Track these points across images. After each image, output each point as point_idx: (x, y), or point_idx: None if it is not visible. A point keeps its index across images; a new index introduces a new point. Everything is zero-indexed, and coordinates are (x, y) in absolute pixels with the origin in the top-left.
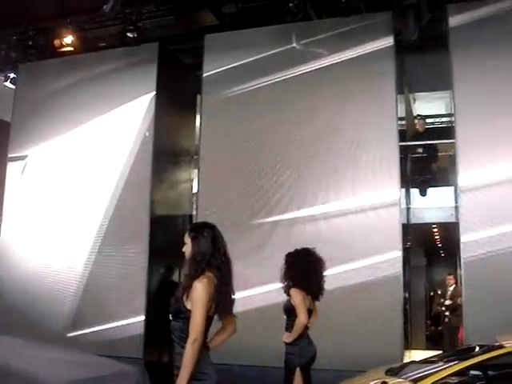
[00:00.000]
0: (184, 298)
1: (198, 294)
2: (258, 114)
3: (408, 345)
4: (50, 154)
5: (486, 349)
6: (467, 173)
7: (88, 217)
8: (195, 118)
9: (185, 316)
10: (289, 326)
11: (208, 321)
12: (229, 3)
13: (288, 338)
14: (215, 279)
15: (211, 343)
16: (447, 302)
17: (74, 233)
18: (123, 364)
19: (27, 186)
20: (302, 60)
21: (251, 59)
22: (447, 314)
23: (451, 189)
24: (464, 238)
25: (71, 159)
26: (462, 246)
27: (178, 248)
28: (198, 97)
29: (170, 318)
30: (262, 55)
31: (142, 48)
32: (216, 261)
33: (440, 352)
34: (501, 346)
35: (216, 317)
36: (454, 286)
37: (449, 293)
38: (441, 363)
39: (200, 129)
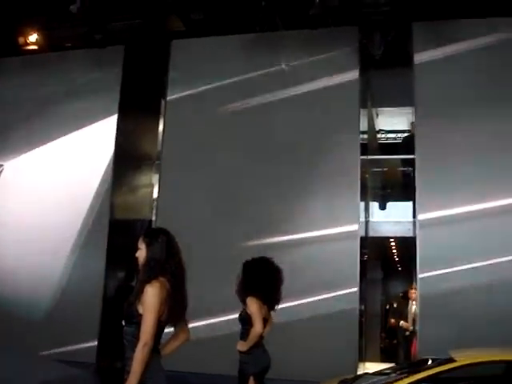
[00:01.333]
0: (136, 303)
1: (150, 299)
2: (221, 121)
3: (362, 357)
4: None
5: (438, 362)
6: (425, 188)
7: (53, 220)
8: (158, 123)
9: (137, 321)
10: (244, 335)
11: (160, 327)
12: (197, 10)
13: (243, 346)
14: (168, 285)
15: (163, 350)
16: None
17: (42, 236)
18: (73, 368)
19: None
20: (266, 69)
21: (216, 66)
22: (411, 327)
23: (410, 204)
24: (421, 253)
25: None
26: (418, 260)
27: (135, 253)
28: (162, 102)
29: (123, 323)
30: (227, 63)
31: (107, 50)
32: (170, 267)
33: (393, 364)
34: (453, 360)
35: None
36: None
37: (413, 307)
38: (394, 375)
39: (163, 134)
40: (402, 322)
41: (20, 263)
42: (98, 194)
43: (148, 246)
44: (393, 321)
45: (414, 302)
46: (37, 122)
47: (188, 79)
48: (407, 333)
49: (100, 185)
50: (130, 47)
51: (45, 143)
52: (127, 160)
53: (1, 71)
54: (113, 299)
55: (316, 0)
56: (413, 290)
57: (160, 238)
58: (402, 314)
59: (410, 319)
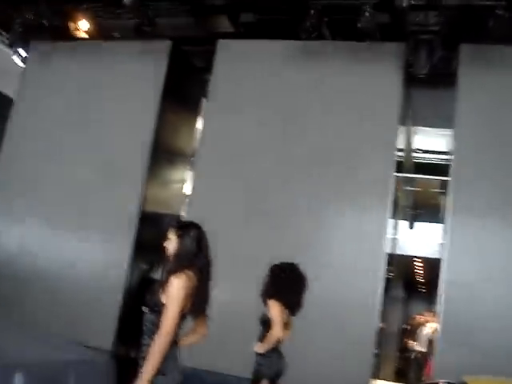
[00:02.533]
0: (160, 292)
1: (175, 290)
2: (259, 125)
3: (376, 375)
4: (50, 137)
5: None
6: (457, 211)
7: (79, 204)
8: (196, 121)
9: (159, 309)
10: (262, 337)
11: (181, 319)
12: (247, 13)
13: (260, 348)
14: (194, 278)
15: (180, 343)
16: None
17: (66, 220)
18: (90, 352)
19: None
20: (309, 77)
21: (259, 69)
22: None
23: (439, 226)
24: (446, 276)
25: (68, 144)
26: (443, 283)
27: (162, 246)
28: (203, 100)
29: (144, 310)
30: (270, 67)
31: (155, 43)
32: (199, 261)
33: None
34: None
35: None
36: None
37: (426, 329)
38: None
39: (201, 132)
40: (415, 343)
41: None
42: (131, 184)
43: (179, 237)
44: (406, 341)
45: (427, 325)
46: (75, 109)
47: (230, 80)
48: (419, 354)
49: (134, 176)
50: (178, 43)
51: (82, 130)
52: (163, 154)
53: (50, 55)
54: (135, 290)
55: (366, 14)
56: (426, 314)
57: (192, 231)
58: (416, 335)
59: (421, 341)
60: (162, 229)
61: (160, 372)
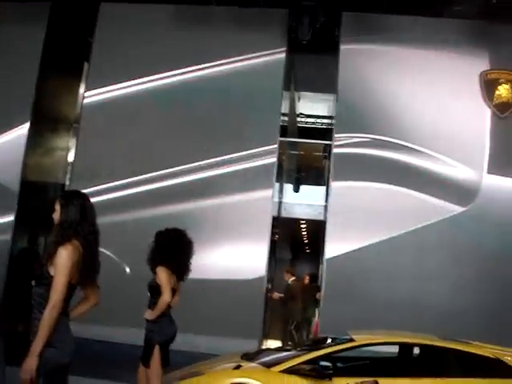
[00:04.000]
0: (48, 264)
1: (62, 261)
2: (143, 90)
3: (266, 336)
4: None
5: (338, 341)
6: (340, 174)
7: None
8: (79, 86)
9: (47, 282)
10: (151, 304)
11: (70, 289)
12: None
13: (150, 315)
14: (81, 247)
15: (72, 313)
16: None
17: None
18: None
19: None
20: (193, 43)
21: (142, 33)
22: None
23: (323, 188)
24: (329, 237)
25: None
26: (326, 243)
27: (46, 216)
28: (85, 64)
29: (32, 283)
30: (153, 31)
31: (33, 5)
32: (82, 230)
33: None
34: (351, 340)
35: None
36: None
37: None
38: (294, 352)
39: (83, 97)
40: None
41: None
42: (10, 152)
43: (63, 207)
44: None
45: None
46: None
47: (113, 44)
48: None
49: (13, 144)
50: (57, 4)
51: None
52: (44, 121)
53: None
54: (19, 260)
55: None
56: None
57: (76, 200)
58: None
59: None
60: (44, 198)
61: (50, 344)
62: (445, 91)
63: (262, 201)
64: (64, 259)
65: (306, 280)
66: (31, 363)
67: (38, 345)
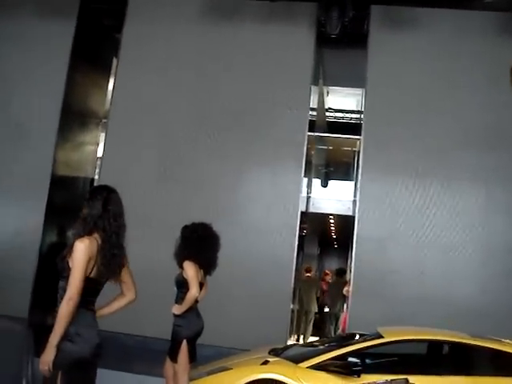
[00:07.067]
0: (68, 257)
1: (78, 254)
2: (172, 85)
3: (293, 329)
4: None
5: (366, 337)
6: (369, 169)
7: None
8: (108, 82)
9: (67, 275)
10: (179, 298)
11: (93, 283)
12: None
13: (178, 310)
14: (100, 240)
15: (104, 309)
16: None
17: None
18: (6, 321)
19: None
20: (222, 37)
21: (171, 29)
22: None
23: (351, 183)
24: (358, 232)
25: None
26: (355, 238)
27: (75, 210)
28: (114, 60)
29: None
30: (182, 27)
31: (63, 2)
32: (102, 222)
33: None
34: (380, 336)
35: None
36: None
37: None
38: (322, 347)
39: (112, 93)
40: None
41: None
42: (42, 147)
43: (87, 202)
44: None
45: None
46: None
47: (141, 39)
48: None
49: (44, 139)
50: (87, 1)
51: None
52: (74, 116)
53: None
54: (48, 255)
55: None
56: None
57: (99, 194)
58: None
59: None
60: (74, 192)
61: (67, 338)
62: (480, 82)
63: (290, 196)
64: (79, 252)
65: (328, 276)
66: (48, 355)
67: (54, 337)
